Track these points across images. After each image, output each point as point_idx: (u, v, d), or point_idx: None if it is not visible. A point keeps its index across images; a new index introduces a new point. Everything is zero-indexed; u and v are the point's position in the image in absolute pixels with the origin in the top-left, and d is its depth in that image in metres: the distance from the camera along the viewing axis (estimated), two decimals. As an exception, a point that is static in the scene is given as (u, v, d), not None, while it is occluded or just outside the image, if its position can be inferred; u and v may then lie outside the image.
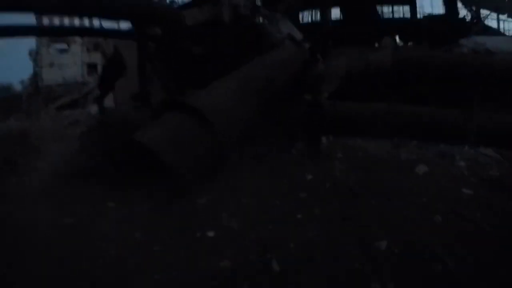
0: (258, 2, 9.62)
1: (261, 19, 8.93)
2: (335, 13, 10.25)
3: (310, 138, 6.42)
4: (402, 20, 10.02)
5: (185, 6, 11.76)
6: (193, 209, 3.71)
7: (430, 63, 7.16)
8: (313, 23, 10.29)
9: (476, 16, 10.63)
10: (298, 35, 8.30)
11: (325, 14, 9.12)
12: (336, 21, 9.54)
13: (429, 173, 5.07)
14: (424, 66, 7.18)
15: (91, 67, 26.76)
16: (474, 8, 10.52)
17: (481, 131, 6.34)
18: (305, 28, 9.60)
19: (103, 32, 11.01)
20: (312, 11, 10.41)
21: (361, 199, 4.27)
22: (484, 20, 10.83)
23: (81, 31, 10.94)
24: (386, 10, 10.07)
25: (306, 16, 10.86)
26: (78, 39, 25.79)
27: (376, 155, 5.72)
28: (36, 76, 25.29)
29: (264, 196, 4.20)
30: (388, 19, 10.16)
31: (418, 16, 10.28)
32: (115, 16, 8.42)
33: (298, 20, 9.59)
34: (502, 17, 11.30)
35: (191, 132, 3.83)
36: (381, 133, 6.62)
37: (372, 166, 5.19)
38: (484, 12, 10.81)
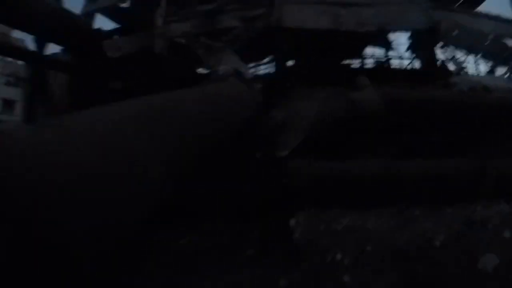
0: (199, 31, 7.68)
1: (200, 51, 6.95)
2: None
3: (273, 220, 4.23)
4: (375, 61, 8.55)
5: (110, 34, 9.63)
6: None
7: (431, 104, 5.45)
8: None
9: (452, 58, 9.41)
10: (248, 72, 6.37)
11: (281, 53, 7.32)
12: (296, 60, 7.74)
13: (499, 266, 3.03)
14: (424, 107, 5.48)
15: (8, 103, 23.11)
16: (449, 50, 9.30)
17: (499, 182, 5.41)
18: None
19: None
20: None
21: None
22: (461, 62, 9.68)
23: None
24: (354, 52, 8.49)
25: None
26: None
27: (395, 243, 3.63)
28: None
29: None
30: (357, 60, 8.62)
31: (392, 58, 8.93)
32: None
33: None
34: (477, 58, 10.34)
35: None
36: (374, 199, 4.72)
37: (409, 271, 3.02)
38: (460, 54, 9.72)
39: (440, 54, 8.92)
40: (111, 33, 9.94)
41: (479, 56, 10.25)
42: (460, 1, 11.01)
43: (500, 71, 10.65)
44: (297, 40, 7.01)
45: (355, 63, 7.97)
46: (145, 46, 8.27)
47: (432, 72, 7.59)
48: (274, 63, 7.23)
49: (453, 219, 4.81)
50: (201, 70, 7.20)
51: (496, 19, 10.44)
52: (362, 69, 7.62)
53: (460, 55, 9.80)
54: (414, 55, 8.39)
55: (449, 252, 3.47)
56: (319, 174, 4.78)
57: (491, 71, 10.57)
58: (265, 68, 7.55)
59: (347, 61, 7.65)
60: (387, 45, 8.53)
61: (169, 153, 3.23)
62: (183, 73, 7.22)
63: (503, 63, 10.67)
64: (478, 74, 9.61)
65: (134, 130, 2.92)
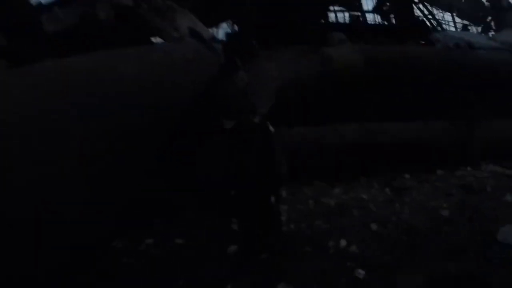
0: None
1: (150, 12, 5.98)
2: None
3: (252, 202, 3.34)
4: (349, 18, 7.77)
5: (49, 7, 8.45)
6: None
7: (415, 61, 4.82)
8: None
9: (429, 15, 8.83)
10: (206, 33, 5.49)
11: (244, 10, 6.42)
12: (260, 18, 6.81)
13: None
14: (408, 65, 4.84)
15: None
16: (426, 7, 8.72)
17: (487, 143, 5.24)
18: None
19: None
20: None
21: None
22: (438, 20, 9.16)
23: None
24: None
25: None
26: None
27: (400, 219, 3.03)
28: None
29: None
30: (329, 17, 7.81)
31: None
32: None
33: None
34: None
35: None
36: (358, 168, 4.13)
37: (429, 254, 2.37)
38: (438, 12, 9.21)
39: (417, 11, 8.35)
40: (50, 5, 8.76)
41: (455, 14, 9.80)
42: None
43: (475, 29, 10.25)
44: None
45: (327, 19, 7.19)
46: (88, 15, 7.21)
47: (412, 28, 6.94)
48: (236, 22, 6.35)
49: (448, 186, 4.29)
50: (154, 36, 6.24)
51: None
52: (335, 26, 6.85)
53: (436, 12, 9.32)
54: (389, 11, 7.69)
55: (461, 224, 2.90)
56: (294, 143, 4.04)
57: (466, 29, 10.12)
58: (226, 27, 6.66)
59: (318, 18, 6.85)
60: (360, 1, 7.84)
61: (102, 124, 2.39)
62: (133, 41, 6.27)
63: (478, 22, 10.25)
64: (457, 31, 9.10)
65: (55, 97, 2.11)
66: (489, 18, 10.24)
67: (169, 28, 5.48)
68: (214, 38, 5.15)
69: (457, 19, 9.94)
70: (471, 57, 5.78)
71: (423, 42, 6.31)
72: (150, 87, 3.19)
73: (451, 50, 5.82)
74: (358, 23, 7.29)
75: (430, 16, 8.92)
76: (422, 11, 8.64)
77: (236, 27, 6.30)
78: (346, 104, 4.54)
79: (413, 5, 7.89)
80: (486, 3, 10.17)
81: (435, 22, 8.92)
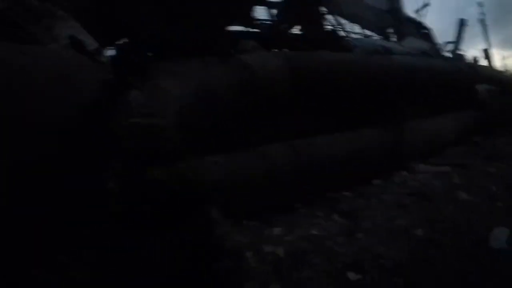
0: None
1: (24, 15, 4.82)
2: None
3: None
4: (259, 27, 7.23)
5: None
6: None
7: (340, 67, 4.45)
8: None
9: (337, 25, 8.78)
10: (91, 42, 4.50)
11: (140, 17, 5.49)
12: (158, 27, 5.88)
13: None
14: (337, 72, 4.43)
15: None
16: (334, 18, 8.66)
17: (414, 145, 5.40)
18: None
19: None
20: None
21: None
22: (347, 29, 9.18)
23: None
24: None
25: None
26: None
27: (377, 252, 2.51)
28: None
29: None
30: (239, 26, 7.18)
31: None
32: None
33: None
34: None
35: None
36: (289, 194, 3.50)
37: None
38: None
39: (327, 20, 8.20)
40: None
41: (361, 25, 10.03)
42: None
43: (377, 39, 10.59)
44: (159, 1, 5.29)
45: (237, 29, 6.57)
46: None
47: (325, 36, 6.63)
48: (129, 31, 5.38)
49: (397, 196, 4.00)
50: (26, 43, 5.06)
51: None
52: (244, 34, 6.26)
53: (344, 23, 9.42)
54: (296, 20, 7.32)
55: (443, 242, 2.55)
56: (210, 176, 3.24)
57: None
58: (117, 37, 5.64)
59: (226, 27, 6.17)
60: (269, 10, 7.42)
61: None
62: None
63: (380, 32, 10.62)
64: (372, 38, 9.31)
65: None
66: (390, 28, 10.74)
67: (45, 36, 4.38)
68: (100, 50, 4.17)
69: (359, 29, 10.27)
70: (392, 61, 5.74)
71: (343, 48, 6.06)
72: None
73: (371, 55, 5.70)
74: (268, 31, 6.79)
75: (338, 26, 8.96)
76: (330, 21, 8.60)
77: (130, 36, 5.34)
78: (269, 120, 3.91)
79: (322, 15, 7.64)
80: (387, 15, 10.65)
81: (344, 32, 8.97)
